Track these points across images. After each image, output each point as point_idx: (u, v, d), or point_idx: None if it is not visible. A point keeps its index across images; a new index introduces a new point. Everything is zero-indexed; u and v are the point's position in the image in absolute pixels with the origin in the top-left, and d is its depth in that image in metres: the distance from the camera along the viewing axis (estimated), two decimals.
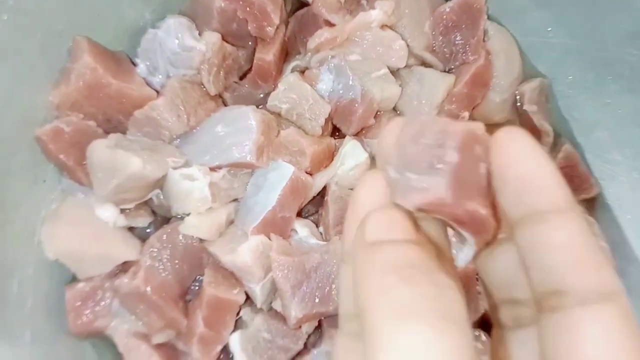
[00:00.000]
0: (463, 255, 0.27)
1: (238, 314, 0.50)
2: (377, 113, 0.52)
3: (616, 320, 0.24)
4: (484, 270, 0.32)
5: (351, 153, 0.51)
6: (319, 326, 0.51)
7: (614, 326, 0.24)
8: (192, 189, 0.45)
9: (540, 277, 0.26)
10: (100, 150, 0.45)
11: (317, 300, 0.47)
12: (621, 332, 0.24)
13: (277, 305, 0.50)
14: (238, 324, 0.50)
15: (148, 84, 0.49)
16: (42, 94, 0.46)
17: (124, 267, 0.49)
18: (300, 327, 0.49)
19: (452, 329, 0.22)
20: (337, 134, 0.54)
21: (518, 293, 0.29)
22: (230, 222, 0.50)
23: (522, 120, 0.59)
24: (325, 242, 0.49)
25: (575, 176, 0.58)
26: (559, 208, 0.25)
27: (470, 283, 0.49)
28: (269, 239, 0.48)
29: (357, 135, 0.53)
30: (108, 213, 0.47)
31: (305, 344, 0.50)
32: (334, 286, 0.47)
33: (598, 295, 0.24)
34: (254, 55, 0.54)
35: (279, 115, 0.52)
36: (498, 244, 0.30)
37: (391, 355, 0.21)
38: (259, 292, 0.48)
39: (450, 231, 0.28)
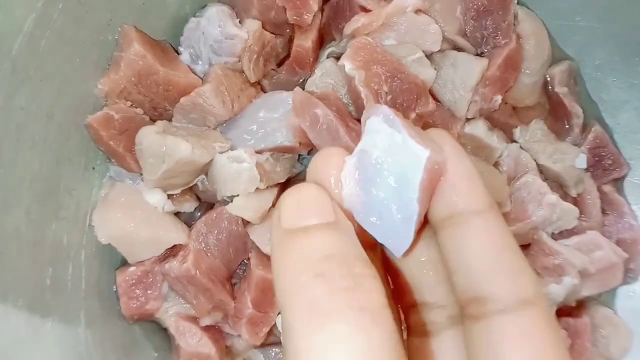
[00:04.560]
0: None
1: None
2: None
3: (537, 326, 0.24)
4: (401, 267, 0.31)
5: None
6: None
7: (536, 332, 0.24)
8: (241, 170, 0.46)
9: (462, 283, 0.26)
10: (150, 136, 0.46)
11: None
12: (543, 337, 0.24)
13: None
14: None
15: (191, 72, 0.50)
16: (91, 83, 0.47)
17: (173, 251, 0.50)
18: None
19: (370, 322, 0.21)
20: None
21: (429, 296, 0.29)
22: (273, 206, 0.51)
23: (552, 102, 0.60)
24: None
25: (606, 156, 0.59)
26: (479, 208, 0.26)
27: None
28: None
29: None
30: (157, 198, 0.48)
31: None
32: None
33: (518, 301, 0.24)
34: (290, 42, 0.55)
35: None
36: (421, 242, 0.30)
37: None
38: None
39: None
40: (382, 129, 0.26)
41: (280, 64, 0.56)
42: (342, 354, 0.20)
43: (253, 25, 0.50)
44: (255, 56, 0.51)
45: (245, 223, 0.50)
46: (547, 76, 0.59)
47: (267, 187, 0.49)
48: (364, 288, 0.22)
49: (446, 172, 0.26)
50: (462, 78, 0.54)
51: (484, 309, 0.24)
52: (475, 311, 0.25)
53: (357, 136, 0.47)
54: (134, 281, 0.49)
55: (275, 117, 0.50)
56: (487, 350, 0.24)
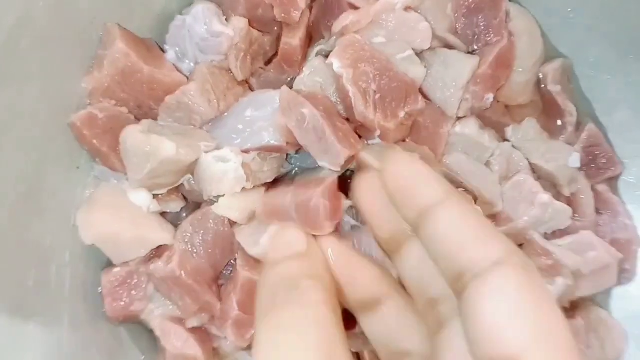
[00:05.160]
0: None
1: None
2: None
3: (511, 282, 0.25)
4: (403, 278, 0.36)
5: None
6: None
7: (510, 287, 0.25)
8: (226, 170, 0.46)
9: (444, 267, 0.28)
10: (135, 135, 0.45)
11: None
12: (518, 289, 0.25)
13: None
14: None
15: (177, 70, 0.50)
16: (75, 81, 0.46)
17: (158, 252, 0.49)
18: None
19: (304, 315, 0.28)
20: None
21: (433, 291, 0.32)
22: None
23: (545, 101, 0.59)
24: (356, 224, 0.49)
25: (600, 155, 0.59)
26: (439, 200, 0.29)
27: None
28: None
29: None
30: (142, 198, 0.47)
31: None
32: None
33: (490, 264, 0.26)
34: (278, 40, 0.54)
35: None
36: (407, 247, 0.35)
37: None
38: None
39: None
40: None
41: (268, 62, 0.55)
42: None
43: (240, 22, 0.50)
44: (242, 54, 0.51)
45: (232, 223, 0.49)
46: (540, 74, 0.58)
47: (253, 187, 0.49)
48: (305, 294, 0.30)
49: (397, 178, 0.32)
50: (453, 76, 0.53)
51: (464, 280, 0.26)
52: (459, 287, 0.26)
53: (344, 137, 0.47)
54: (118, 282, 0.48)
55: (262, 116, 0.49)
56: (468, 315, 0.25)
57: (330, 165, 0.47)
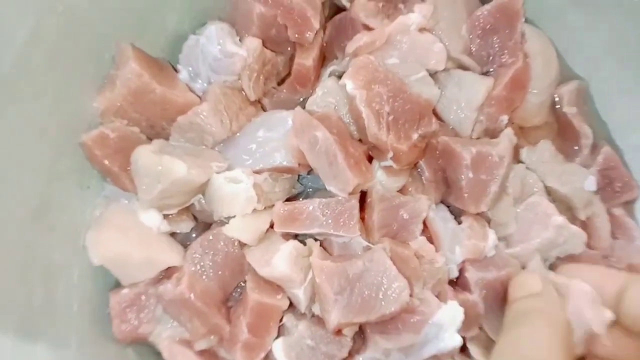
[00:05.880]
0: None
1: (281, 320, 0.49)
2: None
3: None
4: None
5: None
6: (362, 331, 0.50)
7: None
8: (238, 191, 0.45)
9: None
10: (146, 155, 0.45)
11: (359, 307, 0.46)
12: None
13: (315, 309, 0.49)
14: (281, 331, 0.50)
15: (190, 90, 0.49)
16: (86, 100, 0.46)
17: (167, 273, 0.48)
18: (341, 331, 0.48)
19: None
20: None
21: None
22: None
23: (561, 122, 0.58)
24: (368, 244, 0.48)
25: (616, 179, 0.57)
26: None
27: None
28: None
29: None
30: (152, 218, 0.47)
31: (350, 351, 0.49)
32: (379, 295, 0.46)
33: None
34: (291, 60, 0.54)
35: None
36: None
37: None
38: (302, 296, 0.48)
39: None
40: None
41: (281, 82, 0.55)
42: None
43: (253, 43, 0.50)
44: (255, 74, 0.50)
45: (242, 245, 0.49)
46: (555, 96, 0.57)
47: (264, 207, 0.48)
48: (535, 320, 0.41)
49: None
50: (467, 97, 0.53)
51: None
52: None
53: (355, 164, 0.46)
54: (127, 303, 0.48)
55: (274, 136, 0.49)
56: None
57: (338, 191, 0.47)
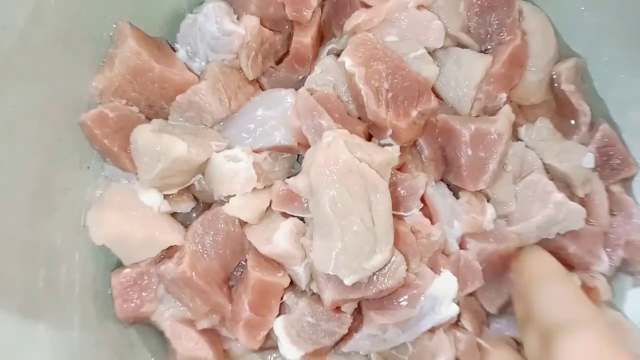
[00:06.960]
0: None
1: (282, 298, 0.50)
2: None
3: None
4: None
5: None
6: (359, 309, 0.50)
7: None
8: (237, 170, 0.45)
9: None
10: (145, 134, 0.45)
11: (354, 284, 0.46)
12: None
13: (314, 287, 0.49)
14: (282, 309, 0.50)
15: (188, 69, 0.49)
16: (85, 80, 0.46)
17: (169, 252, 0.49)
18: (339, 308, 0.48)
19: None
20: None
21: None
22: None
23: (559, 100, 0.58)
24: None
25: (614, 156, 0.58)
26: None
27: None
28: None
29: None
30: (152, 198, 0.47)
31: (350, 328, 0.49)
32: None
33: None
34: (289, 39, 0.54)
35: None
36: None
37: None
38: (302, 274, 0.48)
39: None
40: None
41: (279, 61, 0.55)
42: None
43: (251, 21, 0.49)
44: (253, 53, 0.50)
45: (243, 223, 0.49)
46: (554, 73, 0.57)
47: (264, 186, 0.48)
48: None
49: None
50: (466, 75, 0.52)
51: None
52: None
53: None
54: (129, 283, 0.48)
55: (273, 115, 0.49)
56: None
57: None
